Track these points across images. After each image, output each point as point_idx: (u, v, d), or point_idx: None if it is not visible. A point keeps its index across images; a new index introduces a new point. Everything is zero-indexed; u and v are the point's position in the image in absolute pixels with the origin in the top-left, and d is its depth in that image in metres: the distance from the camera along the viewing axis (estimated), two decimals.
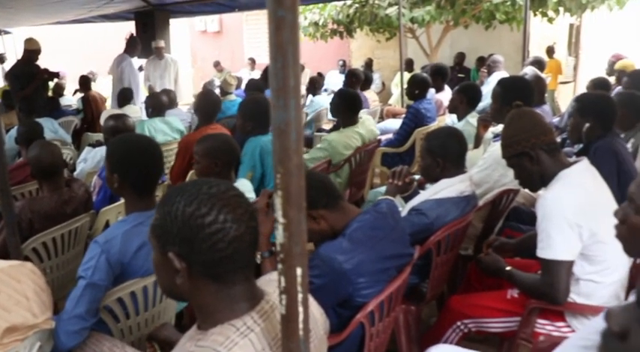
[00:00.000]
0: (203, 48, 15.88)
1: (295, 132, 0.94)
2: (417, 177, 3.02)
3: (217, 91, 6.90)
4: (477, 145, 3.44)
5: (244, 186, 2.97)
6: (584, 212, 2.16)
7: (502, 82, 3.46)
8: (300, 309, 1.03)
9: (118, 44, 9.06)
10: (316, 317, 1.40)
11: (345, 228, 1.99)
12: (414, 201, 2.69)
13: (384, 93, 11.36)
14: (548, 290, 2.20)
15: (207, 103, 4.28)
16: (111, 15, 8.98)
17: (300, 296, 1.02)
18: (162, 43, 8.21)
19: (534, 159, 2.32)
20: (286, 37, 0.88)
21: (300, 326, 1.04)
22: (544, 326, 2.34)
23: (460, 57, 11.14)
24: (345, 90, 4.87)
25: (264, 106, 3.48)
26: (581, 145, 3.26)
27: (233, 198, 1.19)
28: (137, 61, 8.32)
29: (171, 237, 1.18)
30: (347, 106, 4.47)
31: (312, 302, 1.42)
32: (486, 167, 3.20)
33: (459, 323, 2.50)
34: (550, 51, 10.63)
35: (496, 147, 2.87)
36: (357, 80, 6.58)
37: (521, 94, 3.23)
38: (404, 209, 2.72)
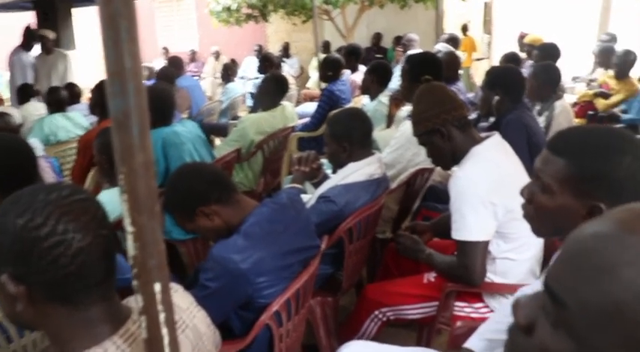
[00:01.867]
0: None
1: (138, 125, 0.75)
2: (325, 161, 2.85)
3: None
4: (389, 125, 3.32)
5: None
6: (497, 189, 2.06)
7: (409, 59, 3.36)
8: (164, 331, 0.86)
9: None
10: (201, 331, 1.22)
11: (241, 224, 1.80)
12: (322, 188, 2.53)
13: (303, 77, 11.20)
14: (464, 272, 2.12)
15: (104, 95, 3.96)
16: (9, 4, 8.31)
17: (162, 316, 0.85)
18: (51, 35, 7.13)
19: (445, 136, 2.21)
20: (118, 9, 0.71)
21: (166, 350, 0.87)
22: (462, 309, 2.27)
23: (377, 37, 11.12)
24: (275, 74, 4.69)
25: (164, 96, 3.22)
26: (492, 119, 3.21)
27: (76, 203, 0.99)
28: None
29: (3, 256, 0.97)
30: (274, 89, 4.29)
31: (197, 314, 1.25)
32: (398, 146, 3.09)
33: (376, 312, 2.38)
34: (465, 28, 10.77)
35: (407, 126, 2.75)
36: (270, 64, 6.37)
37: (430, 69, 3.13)
38: (313, 196, 2.56)
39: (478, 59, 10.87)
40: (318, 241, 2.06)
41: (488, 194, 2.05)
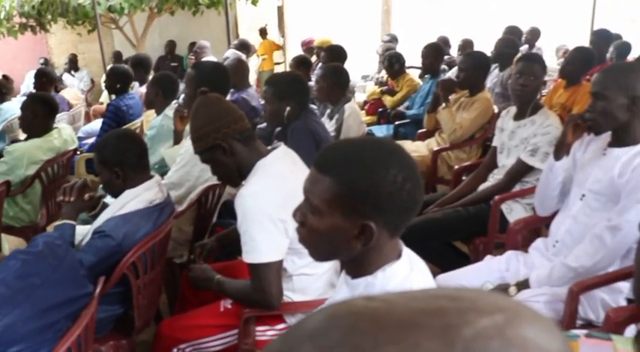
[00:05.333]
0: None
1: None
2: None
3: None
4: (177, 141, 3.08)
5: None
6: (285, 205, 1.93)
7: (195, 66, 3.17)
8: None
9: None
10: None
11: None
12: (98, 221, 2.24)
13: (96, 91, 10.43)
14: (261, 296, 1.99)
15: None
16: None
17: None
18: None
19: (228, 151, 2.05)
20: None
21: None
22: (265, 333, 2.16)
23: (170, 45, 10.73)
24: (40, 96, 4.11)
25: None
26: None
27: None
28: None
29: None
30: (43, 112, 3.77)
31: None
32: (184, 164, 2.87)
33: (175, 350, 2.17)
34: (263, 32, 10.82)
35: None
36: (48, 80, 5.76)
37: (211, 79, 2.96)
38: (89, 230, 2.26)
39: (277, 63, 10.99)
40: (91, 287, 1.79)
41: (277, 211, 1.93)
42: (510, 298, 0.48)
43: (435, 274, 2.62)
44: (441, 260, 2.95)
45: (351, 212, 1.15)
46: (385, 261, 1.19)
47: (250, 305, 2.06)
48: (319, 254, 1.28)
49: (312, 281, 2.10)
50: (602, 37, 6.01)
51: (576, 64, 4.46)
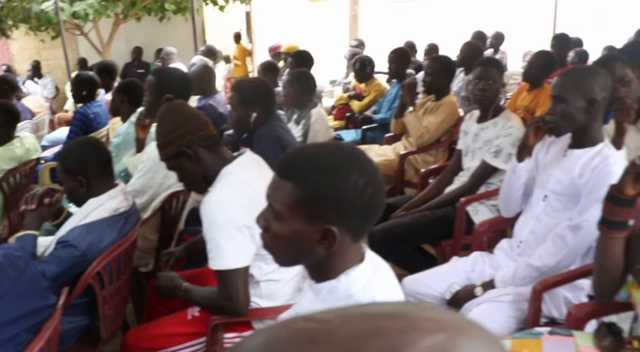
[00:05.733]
0: None
1: None
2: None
3: None
4: (139, 149, 3.04)
5: None
6: (251, 211, 1.91)
7: (156, 73, 3.13)
8: None
9: None
10: None
11: None
12: (62, 231, 2.21)
13: (60, 99, 10.27)
14: (228, 303, 1.98)
15: None
16: None
17: None
18: None
19: (194, 158, 2.05)
20: None
21: None
22: (233, 340, 2.14)
23: (137, 51, 10.63)
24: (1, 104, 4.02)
25: None
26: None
27: None
28: None
29: None
30: (3, 121, 3.69)
31: None
32: (146, 171, 2.83)
33: None
34: (237, 37, 10.80)
35: (153, 148, 2.52)
36: (10, 87, 5.64)
37: (175, 86, 2.94)
38: (53, 240, 2.22)
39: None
40: (53, 299, 1.76)
41: (243, 217, 1.93)
42: (452, 312, 0.47)
43: (403, 277, 2.66)
44: (410, 263, 2.98)
45: (313, 217, 1.15)
46: (348, 265, 1.19)
47: (218, 312, 2.05)
48: (283, 259, 1.28)
49: (280, 286, 2.10)
50: (561, 41, 6.19)
51: (538, 67, 4.55)
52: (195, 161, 2.06)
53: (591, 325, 1.95)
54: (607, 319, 1.87)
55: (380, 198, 1.17)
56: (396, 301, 0.50)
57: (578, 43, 8.06)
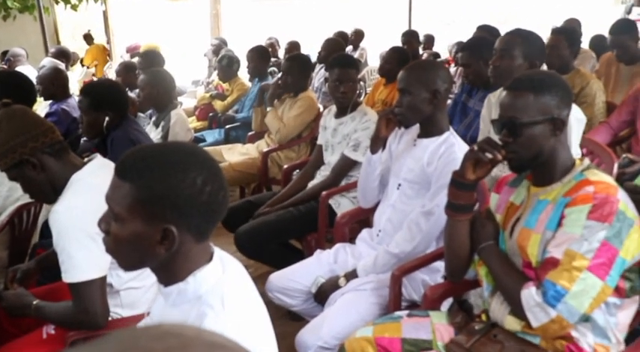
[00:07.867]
0: None
1: None
2: None
3: None
4: None
5: None
6: None
7: None
8: None
9: None
10: None
11: None
12: None
13: None
14: (85, 316, 1.87)
15: None
16: None
17: None
18: None
19: (38, 167, 1.91)
20: None
21: None
22: None
23: None
24: None
25: None
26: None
27: None
28: None
29: None
30: None
31: None
32: None
33: None
34: (88, 37, 10.25)
35: None
36: None
37: (13, 89, 2.74)
38: None
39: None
40: None
41: (94, 225, 1.82)
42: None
43: (270, 272, 2.67)
44: (278, 260, 2.99)
45: (151, 217, 1.14)
46: (195, 265, 1.18)
47: (75, 327, 1.94)
48: (126, 262, 1.25)
49: (141, 294, 2.04)
50: (411, 37, 6.68)
51: (393, 62, 4.76)
52: (41, 169, 1.93)
53: (447, 304, 2.07)
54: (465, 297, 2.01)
55: (221, 197, 1.17)
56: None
57: (430, 39, 8.58)
